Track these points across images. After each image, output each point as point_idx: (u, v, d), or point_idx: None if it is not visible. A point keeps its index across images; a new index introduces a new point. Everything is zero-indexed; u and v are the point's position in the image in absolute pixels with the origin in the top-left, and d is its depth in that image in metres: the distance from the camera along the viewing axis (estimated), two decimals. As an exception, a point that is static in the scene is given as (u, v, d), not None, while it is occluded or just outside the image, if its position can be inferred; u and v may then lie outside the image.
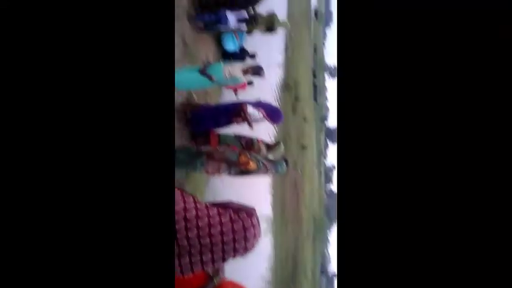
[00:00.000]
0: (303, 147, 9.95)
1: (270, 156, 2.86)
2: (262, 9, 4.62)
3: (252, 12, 4.14)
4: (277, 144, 3.06)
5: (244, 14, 4.00)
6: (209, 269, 0.94)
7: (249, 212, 0.94)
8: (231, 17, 3.93)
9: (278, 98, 8.56)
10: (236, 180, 3.02)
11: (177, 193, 0.95)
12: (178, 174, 2.79)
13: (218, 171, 2.64)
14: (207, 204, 0.97)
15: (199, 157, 2.59)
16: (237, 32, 4.40)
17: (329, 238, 28.08)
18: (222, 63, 2.88)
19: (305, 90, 12.74)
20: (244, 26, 4.16)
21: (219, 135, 3.11)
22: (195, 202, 0.94)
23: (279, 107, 3.69)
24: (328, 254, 27.22)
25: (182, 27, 3.67)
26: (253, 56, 4.63)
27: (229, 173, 2.65)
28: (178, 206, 0.90)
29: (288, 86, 9.60)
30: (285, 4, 10.53)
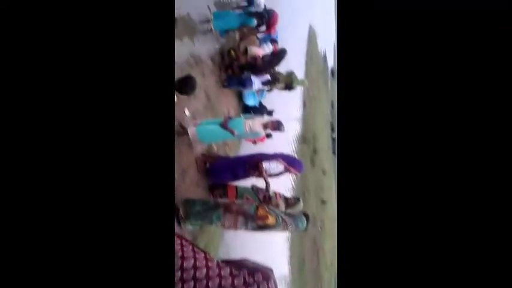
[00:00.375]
0: (323, 202, 9.58)
1: (289, 211, 2.73)
2: (281, 68, 4.92)
3: (274, 73, 4.43)
4: (296, 200, 2.95)
5: (267, 77, 4.27)
6: None
7: (265, 274, 0.86)
8: (255, 80, 4.22)
9: (296, 151, 8.59)
10: (252, 235, 2.88)
11: (188, 248, 0.90)
12: (193, 227, 2.70)
13: (235, 225, 2.53)
14: (220, 262, 0.90)
15: (216, 210, 2.51)
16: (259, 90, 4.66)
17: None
18: (243, 118, 2.95)
19: (323, 143, 12.79)
20: (266, 87, 4.43)
21: (236, 188, 3.08)
22: (206, 259, 0.87)
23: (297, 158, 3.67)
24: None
25: (206, 83, 3.94)
26: (270, 113, 4.82)
27: (246, 228, 2.53)
28: (189, 263, 0.83)
29: (306, 139, 9.69)
30: (303, 64, 11.23)
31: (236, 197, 3.00)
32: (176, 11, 2.82)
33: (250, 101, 4.80)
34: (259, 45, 4.71)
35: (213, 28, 4.07)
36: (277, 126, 2.91)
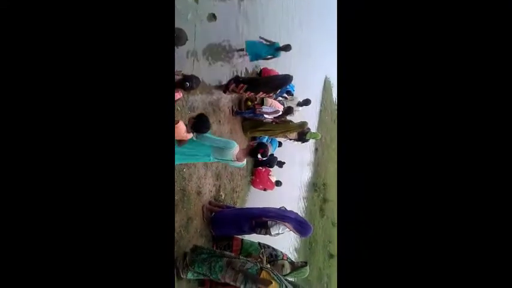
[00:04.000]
0: (331, 256, 9.05)
1: (294, 280, 2.58)
2: (294, 119, 5.01)
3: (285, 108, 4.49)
4: (303, 265, 2.78)
5: (279, 113, 4.35)
6: None
7: None
8: (268, 116, 4.35)
9: (305, 199, 8.38)
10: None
11: None
12: (194, 276, 2.58)
13: (235, 281, 2.41)
14: None
15: (220, 260, 2.43)
16: (271, 140, 4.72)
17: None
18: (236, 144, 2.45)
19: (334, 192, 12.49)
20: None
21: (242, 241, 2.97)
22: None
23: (306, 218, 3.53)
24: None
25: (220, 129, 4.04)
26: (281, 164, 4.82)
27: (245, 287, 2.39)
28: None
29: (316, 187, 9.49)
30: (317, 112, 11.44)
31: (241, 251, 2.88)
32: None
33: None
34: (275, 97, 4.86)
35: (246, 52, 4.30)
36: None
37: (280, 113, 4.38)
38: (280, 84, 4.22)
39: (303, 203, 8.20)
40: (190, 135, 2.21)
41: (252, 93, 4.01)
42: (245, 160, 2.48)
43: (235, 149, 2.27)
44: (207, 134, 2.27)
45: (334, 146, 15.05)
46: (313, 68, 10.11)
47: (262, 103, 4.41)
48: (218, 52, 3.96)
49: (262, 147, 2.37)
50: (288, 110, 4.47)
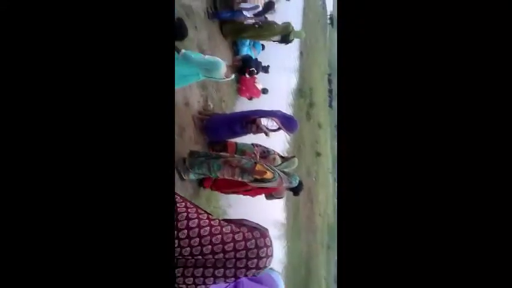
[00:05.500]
0: (318, 154, 9.86)
1: (285, 170, 2.89)
2: (277, 18, 4.66)
3: (265, 3, 4.17)
4: (292, 157, 3.08)
5: (259, 8, 4.05)
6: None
7: (263, 232, 0.98)
8: (247, 13, 4.03)
9: (292, 104, 8.56)
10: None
11: (192, 210, 0.99)
12: (195, 176, 2.85)
13: (233, 176, 2.69)
14: (221, 221, 1.00)
15: (217, 160, 2.67)
16: (254, 43, 4.46)
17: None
18: (223, 62, 2.35)
19: (320, 96, 12.68)
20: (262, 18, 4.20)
21: (236, 144, 3.17)
22: (209, 219, 0.98)
23: (293, 115, 3.71)
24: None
25: (198, 36, 3.77)
26: (266, 69, 4.67)
27: (243, 179, 2.69)
28: (193, 222, 0.94)
29: (302, 92, 9.59)
30: (300, 11, 10.56)
31: (236, 152, 3.11)
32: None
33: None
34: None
35: None
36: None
37: (260, 8, 4.02)
38: None
39: (290, 110, 8.42)
40: None
41: None
42: (233, 75, 2.46)
43: (223, 68, 2.23)
44: (192, 54, 2.18)
45: (319, 47, 14.45)
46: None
47: None
48: None
49: (249, 65, 2.34)
50: (269, 5, 4.08)
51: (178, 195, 1.10)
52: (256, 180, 2.65)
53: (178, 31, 2.26)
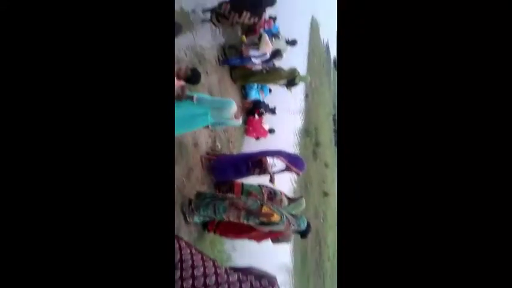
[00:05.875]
0: (325, 194, 9.66)
1: (293, 212, 2.84)
2: (283, 64, 4.92)
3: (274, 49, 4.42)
4: (299, 198, 3.04)
5: (267, 56, 4.27)
6: None
7: (271, 281, 0.94)
8: (255, 60, 4.25)
9: (298, 144, 8.63)
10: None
11: (198, 257, 0.97)
12: (200, 219, 2.81)
13: (238, 218, 2.64)
14: (228, 269, 0.97)
15: (223, 202, 2.63)
16: (262, 86, 4.66)
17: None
18: (233, 102, 2.48)
19: (325, 135, 12.81)
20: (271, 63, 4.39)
21: (242, 184, 3.16)
22: (215, 267, 0.95)
23: (299, 155, 3.74)
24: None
25: (209, 81, 3.98)
26: (273, 111, 4.81)
27: (249, 222, 2.63)
28: (199, 271, 0.91)
29: (308, 132, 9.72)
30: (306, 57, 11.13)
31: (242, 193, 3.09)
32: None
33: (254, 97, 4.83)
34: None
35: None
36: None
37: (268, 56, 4.27)
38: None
39: (296, 149, 8.46)
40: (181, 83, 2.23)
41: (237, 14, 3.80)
42: (241, 119, 2.57)
43: (233, 107, 2.33)
44: (204, 96, 2.32)
45: (323, 89, 14.95)
46: (299, 7, 9.55)
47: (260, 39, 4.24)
48: None
49: (259, 108, 2.48)
50: (276, 53, 4.34)
51: (183, 240, 1.08)
52: (262, 223, 2.58)
53: (193, 79, 2.40)
